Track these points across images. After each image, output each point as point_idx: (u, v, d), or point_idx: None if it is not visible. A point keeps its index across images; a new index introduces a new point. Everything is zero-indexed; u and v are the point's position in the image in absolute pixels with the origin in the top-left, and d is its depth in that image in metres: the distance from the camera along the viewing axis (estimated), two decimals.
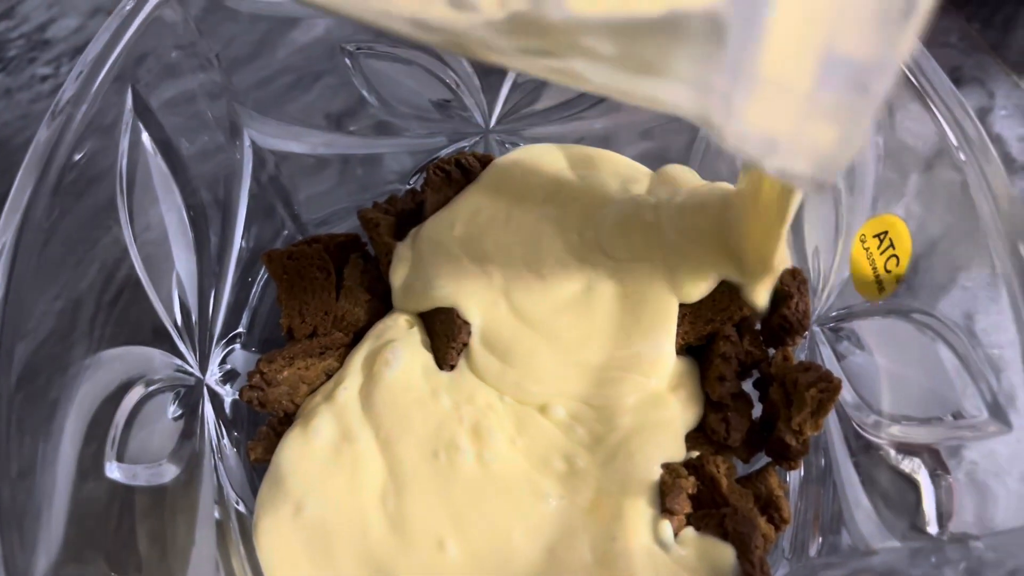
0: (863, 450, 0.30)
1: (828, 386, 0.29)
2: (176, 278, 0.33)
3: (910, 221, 0.29)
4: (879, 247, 0.30)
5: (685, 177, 0.38)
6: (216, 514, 0.30)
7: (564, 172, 0.38)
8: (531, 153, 0.39)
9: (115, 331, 0.29)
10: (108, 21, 0.30)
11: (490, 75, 0.38)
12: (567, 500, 0.29)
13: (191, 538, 0.29)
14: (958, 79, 0.53)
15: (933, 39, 0.53)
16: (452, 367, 0.33)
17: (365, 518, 0.29)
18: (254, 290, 0.38)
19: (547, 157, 0.39)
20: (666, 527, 0.29)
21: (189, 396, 0.32)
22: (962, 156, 0.27)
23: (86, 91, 0.29)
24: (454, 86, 0.39)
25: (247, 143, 0.37)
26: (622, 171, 0.39)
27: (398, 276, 0.36)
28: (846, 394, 0.31)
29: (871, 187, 0.31)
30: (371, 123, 0.40)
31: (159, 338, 0.31)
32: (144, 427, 0.29)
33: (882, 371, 0.30)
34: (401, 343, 0.33)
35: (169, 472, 0.29)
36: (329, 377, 0.34)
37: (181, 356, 0.32)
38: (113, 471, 0.27)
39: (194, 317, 0.33)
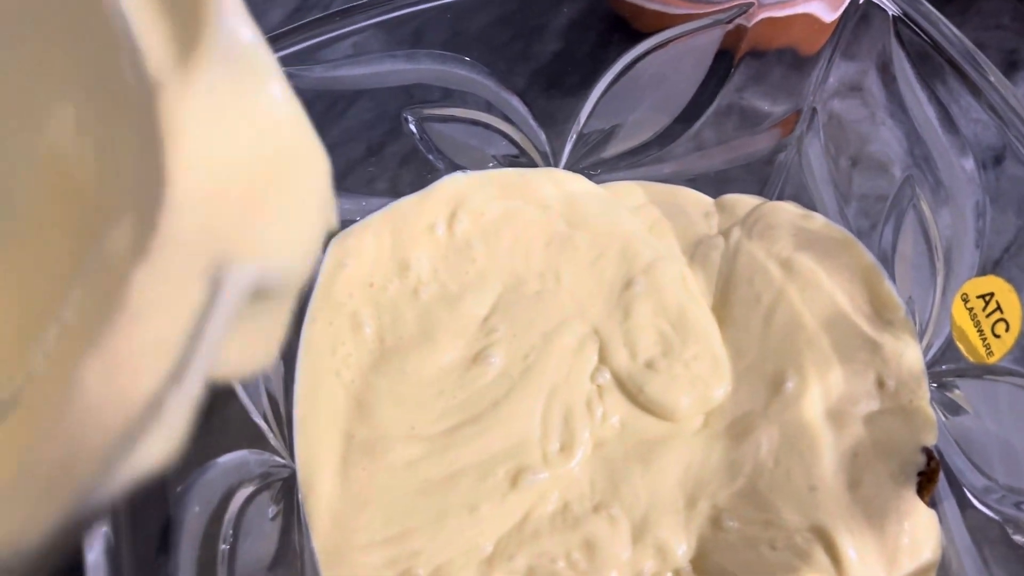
0: (974, 517, 0.29)
1: (928, 468, 0.30)
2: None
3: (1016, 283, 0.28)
4: (984, 309, 0.29)
5: (742, 203, 0.39)
6: None
7: (647, 206, 0.38)
8: (613, 189, 0.39)
9: (209, 441, 0.29)
10: None
11: (556, 127, 0.38)
12: None
13: None
14: (1014, 62, 0.52)
15: (985, 22, 0.52)
16: None
17: None
18: None
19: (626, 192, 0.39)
20: None
21: (285, 488, 0.32)
22: None
23: None
24: (519, 141, 0.38)
25: None
26: (697, 203, 0.39)
27: None
28: (956, 457, 0.30)
29: (971, 245, 0.30)
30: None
31: (249, 435, 0.31)
32: (249, 535, 0.29)
33: (993, 437, 0.30)
34: None
35: None
36: None
37: (273, 449, 0.32)
38: None
39: (280, 405, 0.33)
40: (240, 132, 0.16)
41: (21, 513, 0.14)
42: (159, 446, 0.15)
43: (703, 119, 0.38)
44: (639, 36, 0.35)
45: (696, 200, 0.39)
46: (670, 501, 0.31)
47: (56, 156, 0.19)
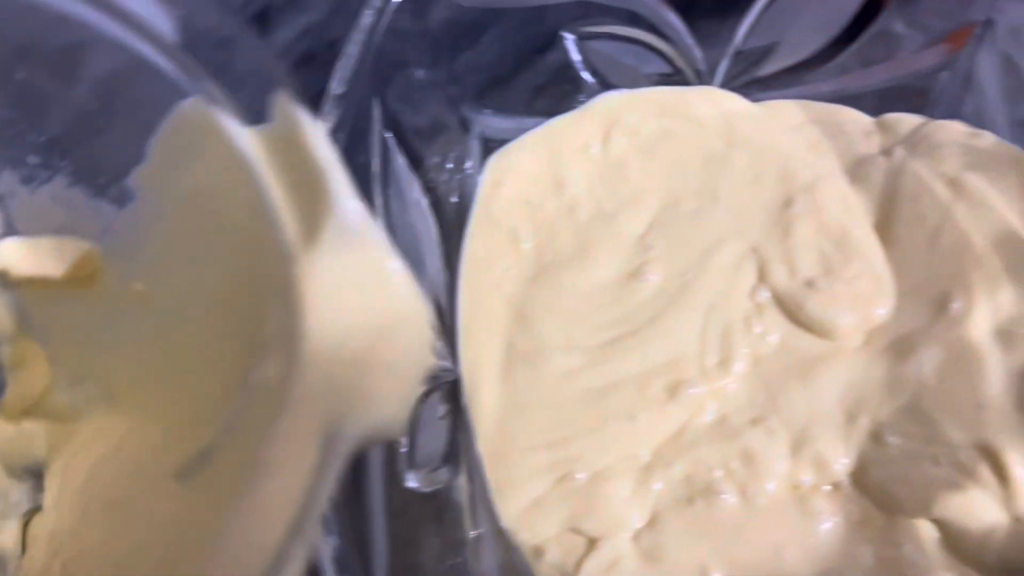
0: None
1: None
2: (429, 278, 0.34)
3: None
4: None
5: (905, 121, 0.37)
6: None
7: (805, 125, 0.38)
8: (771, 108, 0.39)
9: None
10: (350, 46, 0.31)
11: (713, 44, 0.37)
12: (839, 517, 0.29)
13: (476, 534, 0.31)
14: None
15: None
16: None
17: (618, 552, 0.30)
18: None
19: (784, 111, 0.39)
20: None
21: (451, 392, 0.33)
22: None
23: (346, 117, 0.30)
24: (674, 59, 0.38)
25: (475, 135, 0.38)
26: (857, 123, 0.38)
27: None
28: None
29: None
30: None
31: None
32: (422, 431, 0.31)
33: None
34: None
35: (448, 472, 0.31)
36: None
37: (440, 355, 0.33)
38: (410, 481, 0.29)
39: (445, 314, 0.34)
40: (358, 298, 0.18)
41: None
42: None
43: (866, 35, 0.37)
44: None
45: (856, 119, 0.38)
46: (830, 416, 0.31)
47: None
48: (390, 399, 0.19)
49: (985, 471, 0.29)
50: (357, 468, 0.26)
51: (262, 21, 0.51)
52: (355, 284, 0.18)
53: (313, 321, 0.17)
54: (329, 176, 0.18)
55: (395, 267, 0.19)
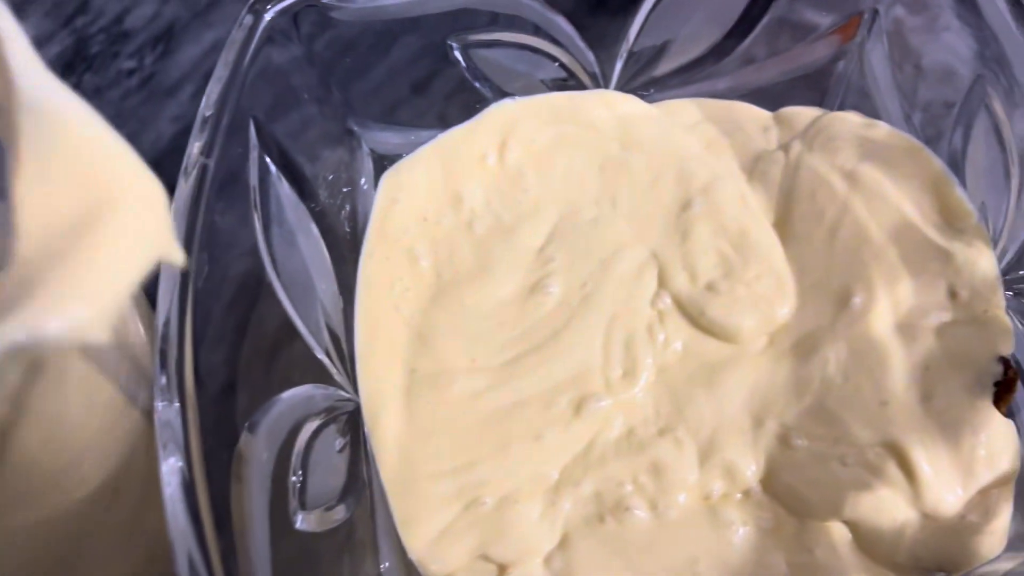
0: None
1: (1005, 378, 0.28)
2: (320, 306, 0.33)
3: None
4: None
5: (802, 115, 0.37)
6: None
7: (702, 123, 0.37)
8: (667, 108, 0.38)
9: (274, 378, 0.30)
10: (219, 68, 0.29)
11: (605, 46, 0.36)
12: (750, 525, 0.29)
13: (382, 569, 0.30)
14: None
15: None
16: None
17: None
18: None
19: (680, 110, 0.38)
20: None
21: (351, 422, 0.32)
22: None
23: (215, 141, 0.28)
24: (568, 64, 0.37)
25: (366, 152, 0.36)
26: (754, 118, 0.38)
27: None
28: None
29: None
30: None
31: (313, 371, 0.31)
32: (318, 467, 0.29)
33: None
34: None
35: (346, 508, 0.30)
36: None
37: (337, 384, 0.32)
38: (301, 522, 0.27)
39: (342, 341, 0.33)
40: (61, 184, 0.16)
41: None
42: None
43: (759, 28, 0.36)
44: None
45: (753, 115, 0.38)
46: (736, 422, 0.30)
47: None
48: (81, 295, 0.15)
49: (893, 469, 0.28)
50: (233, 515, 0.24)
51: (167, 38, 0.49)
52: (56, 169, 0.16)
53: (20, 220, 0.15)
54: (5, 49, 0.15)
55: (100, 142, 0.16)
